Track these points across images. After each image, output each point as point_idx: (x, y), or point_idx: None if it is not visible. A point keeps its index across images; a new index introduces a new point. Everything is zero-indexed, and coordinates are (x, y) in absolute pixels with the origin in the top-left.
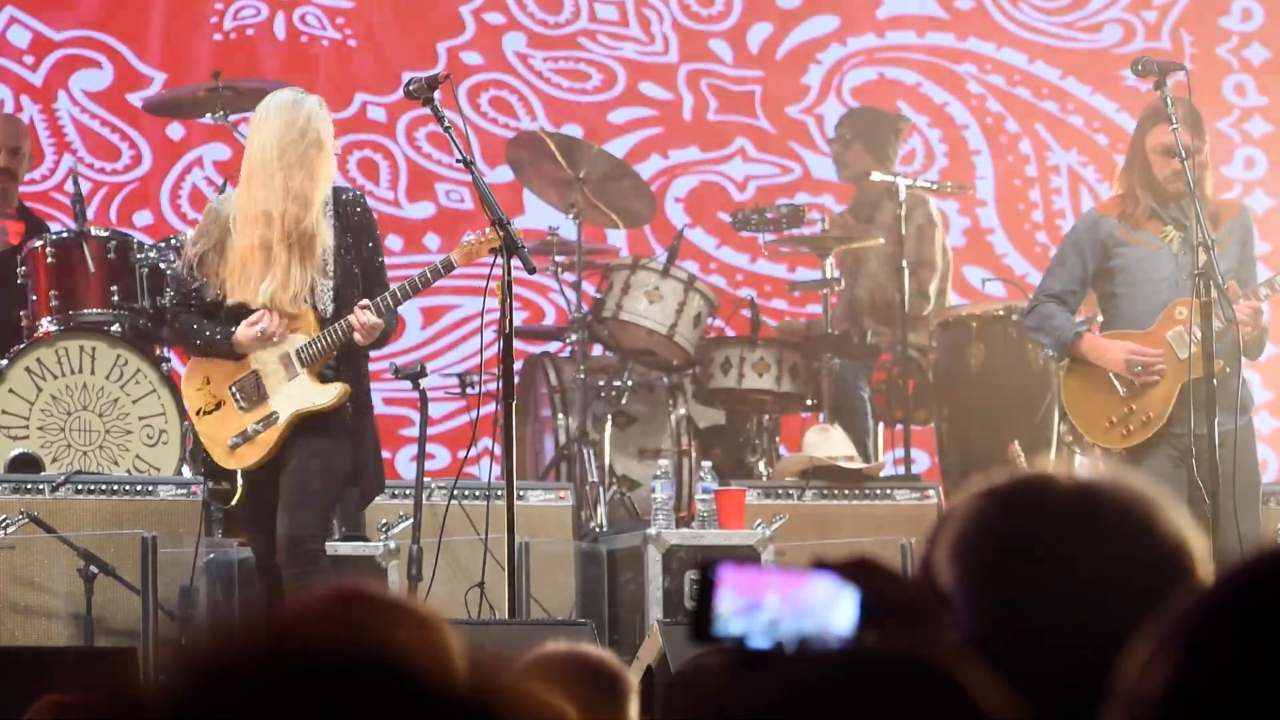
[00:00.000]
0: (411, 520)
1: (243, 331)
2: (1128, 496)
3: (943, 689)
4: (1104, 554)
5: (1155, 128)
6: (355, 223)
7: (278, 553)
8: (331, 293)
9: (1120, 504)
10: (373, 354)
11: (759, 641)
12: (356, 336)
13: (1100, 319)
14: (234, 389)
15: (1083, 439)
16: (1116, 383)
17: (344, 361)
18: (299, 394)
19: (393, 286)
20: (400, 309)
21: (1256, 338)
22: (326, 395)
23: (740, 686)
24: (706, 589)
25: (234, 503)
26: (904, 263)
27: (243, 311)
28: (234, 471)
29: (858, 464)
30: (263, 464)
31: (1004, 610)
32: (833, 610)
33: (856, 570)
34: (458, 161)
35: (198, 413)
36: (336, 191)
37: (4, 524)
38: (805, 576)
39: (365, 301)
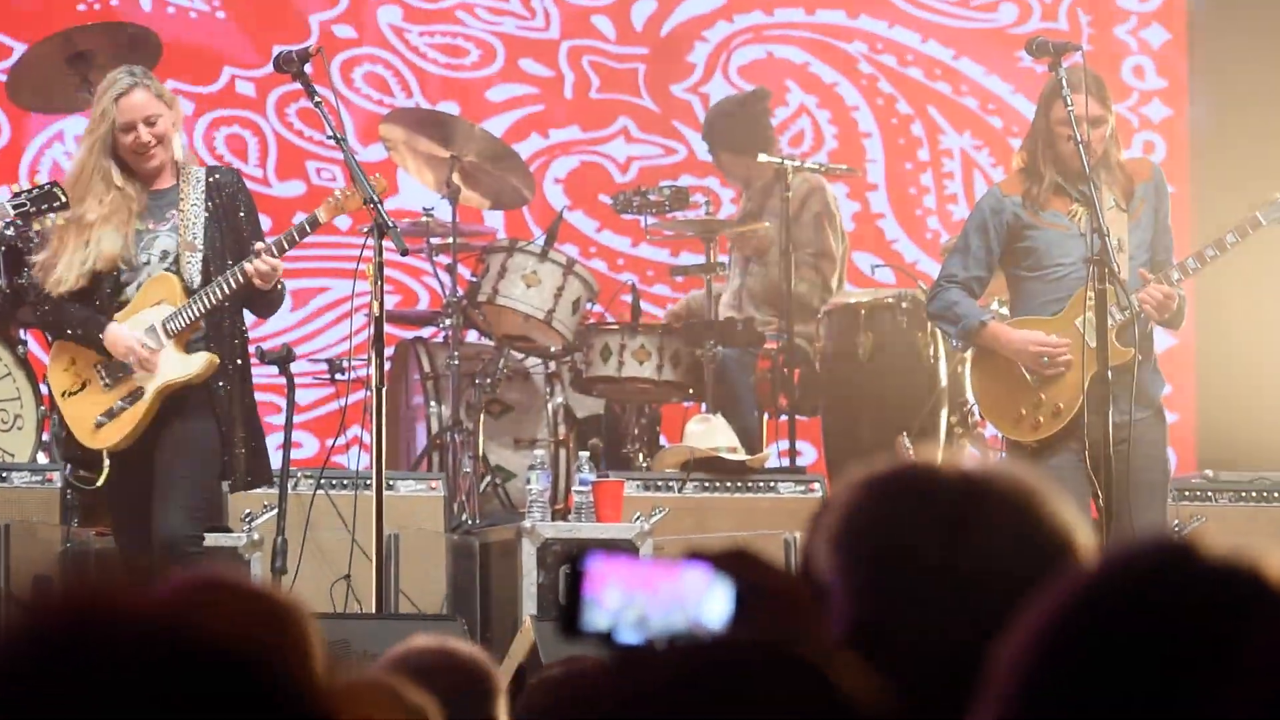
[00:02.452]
0: (276, 510)
1: (114, 335)
2: (1011, 487)
3: (813, 683)
4: (985, 546)
5: (1059, 101)
6: (225, 198)
7: (153, 552)
8: (199, 264)
9: (1003, 495)
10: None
11: (629, 636)
12: (256, 282)
13: (998, 305)
14: (99, 367)
15: (972, 430)
16: (1026, 372)
17: (217, 338)
18: (165, 367)
19: (278, 237)
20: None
21: (1168, 320)
22: (191, 366)
23: (607, 682)
24: (576, 581)
25: (99, 484)
26: (790, 248)
27: (84, 293)
28: (99, 459)
29: (740, 455)
30: (129, 443)
31: (882, 603)
32: (706, 603)
33: (731, 562)
34: (329, 138)
35: (63, 394)
36: (209, 170)
37: None
38: (678, 568)
39: (259, 245)
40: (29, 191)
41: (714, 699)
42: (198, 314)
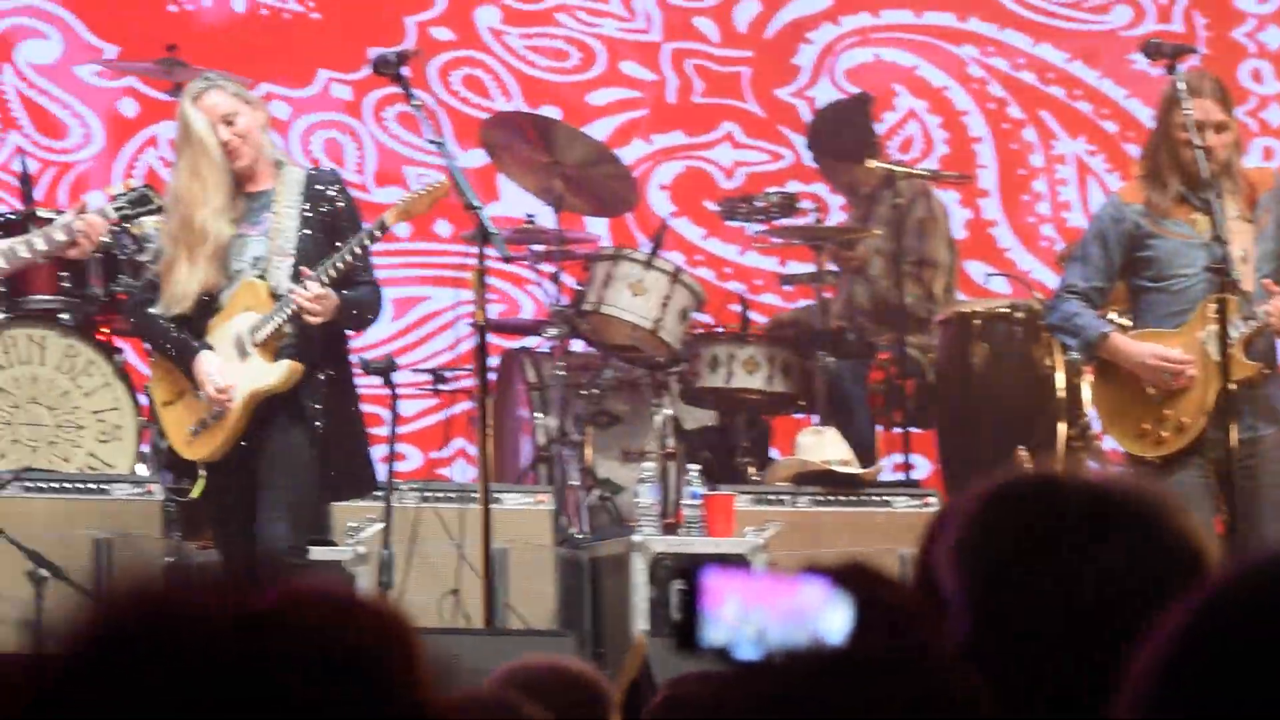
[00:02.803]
0: (381, 524)
1: (199, 365)
2: (1137, 498)
3: (936, 694)
4: (1110, 558)
5: (1179, 106)
6: (322, 201)
7: (256, 564)
8: (289, 270)
9: (1129, 506)
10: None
11: (747, 651)
12: (306, 316)
13: (1117, 316)
14: None
15: (1091, 443)
16: (1149, 386)
17: (312, 343)
18: (250, 376)
19: (332, 258)
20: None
21: None
22: (272, 375)
23: (728, 698)
24: (692, 596)
25: (194, 495)
26: (902, 258)
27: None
28: (197, 469)
29: (854, 469)
30: (221, 454)
31: (1004, 614)
32: (825, 617)
33: (849, 575)
34: (428, 143)
35: (162, 404)
36: (309, 172)
37: None
38: (796, 582)
39: (305, 270)
40: (125, 194)
41: (839, 709)
42: (282, 321)
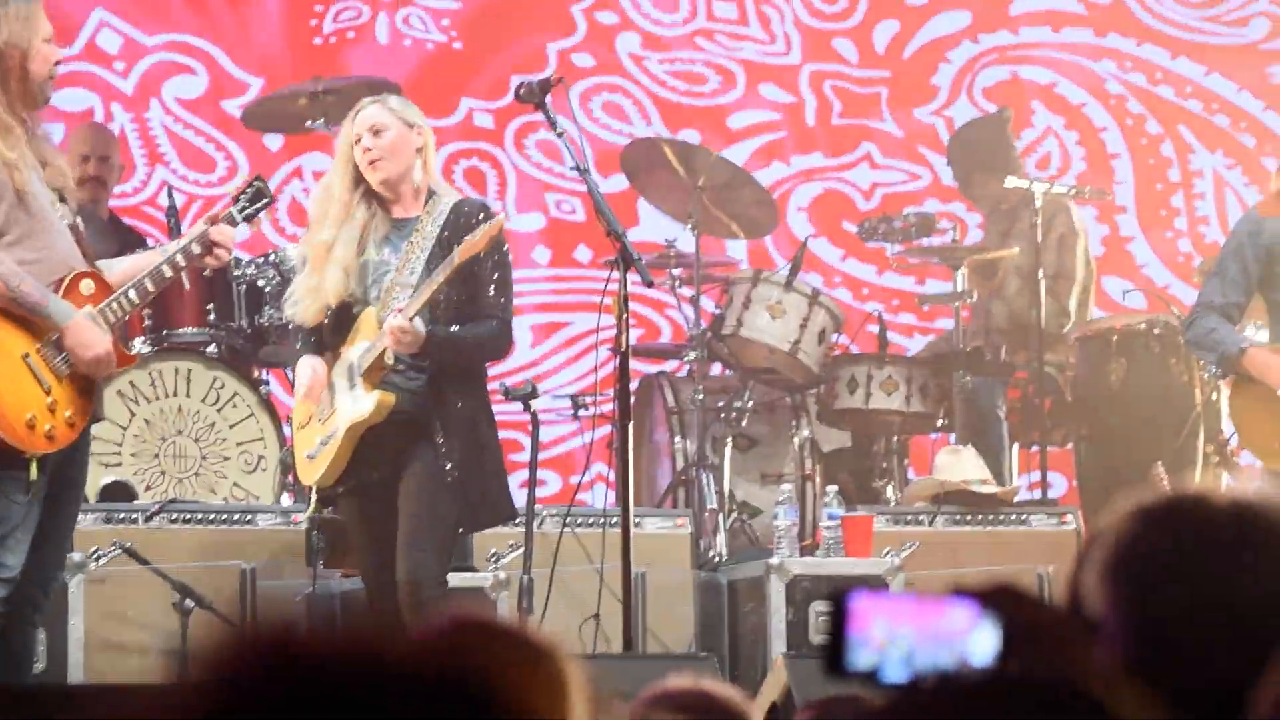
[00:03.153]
0: (522, 549)
1: (298, 369)
2: None
3: (1094, 715)
4: (1260, 574)
5: None
6: (461, 232)
7: (399, 596)
8: (406, 301)
9: (1276, 521)
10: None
11: (895, 674)
12: (388, 340)
13: (1254, 330)
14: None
15: (1230, 459)
16: None
17: (445, 373)
18: (350, 407)
19: (418, 291)
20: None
21: None
22: (364, 406)
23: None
24: (838, 620)
25: (302, 519)
26: (1040, 275)
27: (317, 331)
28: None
29: (992, 488)
30: (328, 481)
31: (1157, 633)
32: (972, 639)
33: (996, 597)
34: (571, 169)
35: (298, 428)
36: (458, 202)
37: (95, 556)
38: (942, 604)
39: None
40: (244, 194)
41: None
42: (380, 351)
